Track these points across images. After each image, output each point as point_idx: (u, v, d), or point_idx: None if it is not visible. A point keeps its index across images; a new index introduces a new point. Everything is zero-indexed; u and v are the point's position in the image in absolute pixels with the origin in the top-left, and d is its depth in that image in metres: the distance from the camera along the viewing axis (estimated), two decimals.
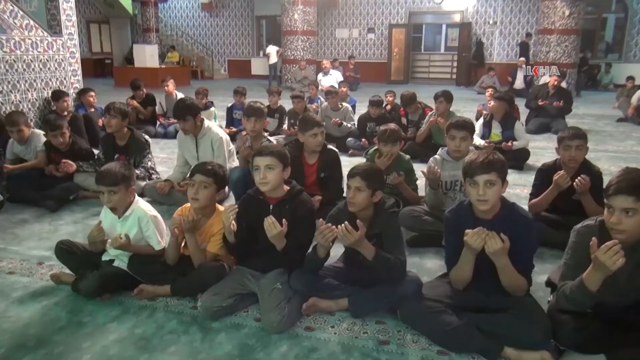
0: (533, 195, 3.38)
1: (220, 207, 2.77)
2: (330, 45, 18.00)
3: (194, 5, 19.55)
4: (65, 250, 2.70)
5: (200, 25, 19.69)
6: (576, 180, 3.06)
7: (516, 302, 2.20)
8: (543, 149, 6.41)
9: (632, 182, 1.90)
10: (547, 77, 10.20)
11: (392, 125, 3.69)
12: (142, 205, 2.74)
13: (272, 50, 14.83)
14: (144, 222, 2.68)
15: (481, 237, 2.09)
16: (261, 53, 14.75)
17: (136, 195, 2.77)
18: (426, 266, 3.04)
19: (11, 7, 6.13)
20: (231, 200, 4.05)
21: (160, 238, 2.71)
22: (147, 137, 4.55)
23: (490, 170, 2.13)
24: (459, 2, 16.30)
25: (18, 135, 4.41)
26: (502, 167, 2.17)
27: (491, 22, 16.11)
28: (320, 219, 2.36)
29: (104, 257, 2.74)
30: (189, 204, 2.71)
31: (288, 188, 2.61)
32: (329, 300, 2.47)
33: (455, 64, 17.15)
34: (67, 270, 2.77)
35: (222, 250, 2.65)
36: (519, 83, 13.03)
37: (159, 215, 2.78)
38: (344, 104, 6.76)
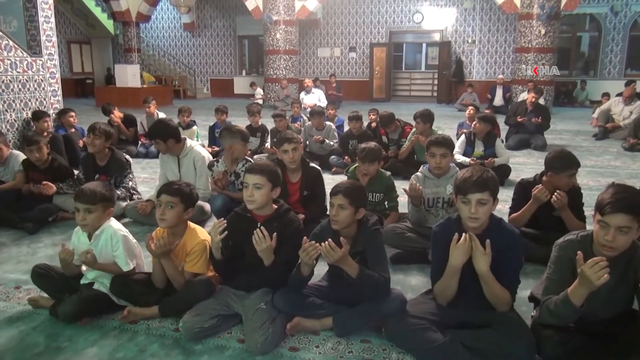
0: (512, 209, 3.42)
1: (193, 225, 2.73)
2: (313, 64, 18.16)
3: (176, 25, 19.61)
4: (41, 275, 2.64)
5: (183, 45, 19.72)
6: (553, 196, 3.10)
7: (500, 317, 2.21)
8: (523, 165, 6.51)
9: (629, 201, 1.91)
10: (525, 94, 10.40)
11: (372, 144, 3.71)
12: (113, 224, 2.69)
13: (259, 92, 15.05)
14: (114, 240, 2.62)
15: (465, 247, 2.13)
16: (256, 93, 15.07)
17: (111, 217, 2.72)
18: (410, 283, 3.04)
19: None
20: (213, 221, 4.01)
21: (129, 259, 2.63)
22: (128, 157, 4.51)
23: (484, 190, 2.14)
24: (439, 22, 16.61)
25: None
26: (494, 186, 2.18)
27: (470, 40, 16.44)
28: (304, 237, 2.36)
29: (83, 281, 2.68)
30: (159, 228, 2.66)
31: (276, 207, 2.60)
32: (313, 319, 2.45)
33: (435, 81, 17.40)
34: (46, 294, 2.71)
35: (202, 268, 2.62)
36: (498, 100, 13.26)
37: (130, 236, 2.72)
38: (327, 122, 6.80)
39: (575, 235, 2.15)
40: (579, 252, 1.93)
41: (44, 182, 4.09)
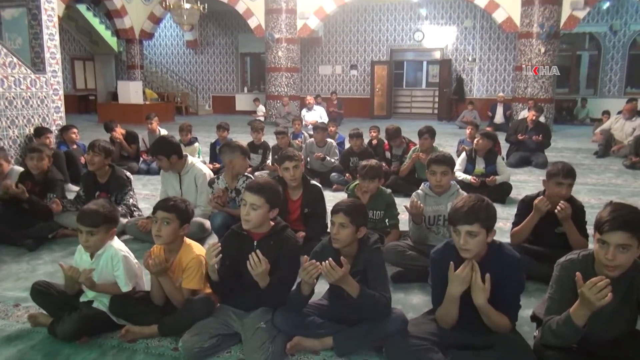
0: (515, 225, 3.41)
1: (188, 241, 2.72)
2: (314, 82, 18.28)
3: (178, 43, 19.79)
4: (41, 292, 2.63)
5: (185, 62, 19.88)
6: (557, 206, 3.10)
7: (502, 338, 2.18)
8: (524, 182, 6.50)
9: (627, 218, 1.91)
10: (526, 112, 10.44)
11: (373, 162, 3.72)
12: (115, 244, 2.67)
13: (261, 109, 15.27)
14: (115, 261, 2.61)
15: (466, 274, 2.10)
16: (258, 110, 15.31)
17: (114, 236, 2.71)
18: (411, 302, 3.01)
19: None
20: (214, 239, 4.00)
21: (128, 280, 2.62)
22: (128, 173, 4.51)
23: (473, 222, 2.10)
24: (439, 40, 16.75)
25: None
26: (487, 218, 2.13)
27: (470, 59, 16.56)
28: (305, 256, 2.35)
29: (82, 298, 2.67)
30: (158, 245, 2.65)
31: (273, 224, 2.59)
32: (313, 339, 2.42)
33: (436, 99, 17.49)
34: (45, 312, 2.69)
35: (199, 284, 2.60)
36: (498, 117, 13.30)
37: (131, 256, 2.70)
38: (328, 139, 6.82)
39: (576, 254, 2.14)
40: (577, 273, 1.92)
41: (53, 200, 4.10)
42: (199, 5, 13.19)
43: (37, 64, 6.92)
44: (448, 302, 2.20)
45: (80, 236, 2.59)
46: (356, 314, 2.37)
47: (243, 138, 8.29)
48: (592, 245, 2.12)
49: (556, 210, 3.10)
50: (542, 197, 3.18)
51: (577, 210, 3.21)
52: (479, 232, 2.11)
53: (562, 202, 3.11)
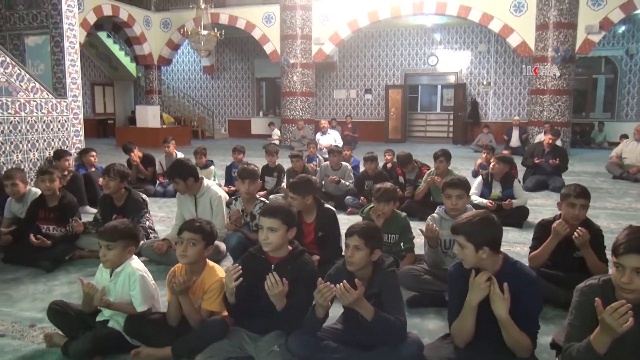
0: (532, 249, 3.37)
1: (211, 263, 2.73)
2: (329, 106, 18.43)
3: (195, 68, 20.17)
4: (58, 312, 2.64)
5: (202, 87, 20.23)
6: (575, 232, 3.06)
7: None
8: (541, 206, 6.42)
9: None
10: (542, 136, 10.38)
11: (388, 185, 3.71)
12: (133, 263, 2.71)
13: (276, 133, 15.59)
14: (132, 280, 2.64)
15: (483, 281, 2.12)
16: (273, 134, 15.60)
17: (134, 256, 2.74)
18: (427, 327, 2.96)
19: (18, 71, 6.33)
20: (229, 261, 4.01)
21: (144, 300, 2.63)
22: (144, 196, 4.55)
23: (457, 233, 2.21)
24: (453, 64, 16.84)
25: (12, 189, 4.38)
26: (471, 232, 2.17)
27: (485, 82, 16.59)
28: (319, 278, 2.33)
29: (99, 318, 2.68)
30: (180, 264, 2.68)
31: (291, 248, 2.59)
32: None
33: (451, 122, 17.49)
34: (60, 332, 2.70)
35: (219, 306, 2.60)
36: (514, 141, 13.23)
37: (148, 276, 2.72)
38: (343, 163, 6.84)
39: (596, 279, 2.09)
40: (597, 299, 1.88)
41: (75, 221, 4.14)
42: (216, 31, 13.48)
43: (58, 89, 7.11)
44: (466, 312, 2.19)
45: (100, 251, 2.64)
46: (371, 337, 2.34)
47: (258, 161, 8.33)
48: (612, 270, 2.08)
49: (574, 237, 3.06)
50: (560, 220, 3.15)
51: (595, 235, 3.18)
52: (464, 244, 2.19)
53: (579, 228, 3.08)
